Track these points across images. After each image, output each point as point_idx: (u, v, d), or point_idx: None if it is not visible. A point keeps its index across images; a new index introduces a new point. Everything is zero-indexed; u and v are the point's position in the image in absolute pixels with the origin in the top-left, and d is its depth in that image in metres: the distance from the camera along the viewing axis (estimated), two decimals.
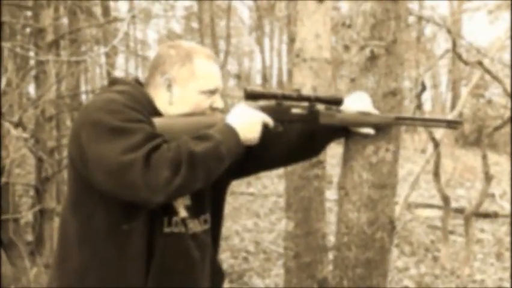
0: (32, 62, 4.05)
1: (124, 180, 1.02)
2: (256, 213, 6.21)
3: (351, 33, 1.40)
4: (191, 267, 1.22)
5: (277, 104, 1.26)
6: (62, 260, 1.18)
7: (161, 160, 1.03)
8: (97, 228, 1.13)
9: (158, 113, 1.20)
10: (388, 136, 1.35)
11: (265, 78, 17.70)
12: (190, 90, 1.20)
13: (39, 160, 3.49)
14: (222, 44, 14.66)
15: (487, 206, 6.00)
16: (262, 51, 16.70)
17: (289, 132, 1.32)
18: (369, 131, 1.32)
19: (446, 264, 4.08)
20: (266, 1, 12.85)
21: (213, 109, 1.24)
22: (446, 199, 4.14)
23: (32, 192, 3.91)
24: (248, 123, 1.18)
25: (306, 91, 2.46)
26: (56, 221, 3.60)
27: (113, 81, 1.26)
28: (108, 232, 1.12)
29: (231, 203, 6.20)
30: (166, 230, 1.17)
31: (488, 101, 11.48)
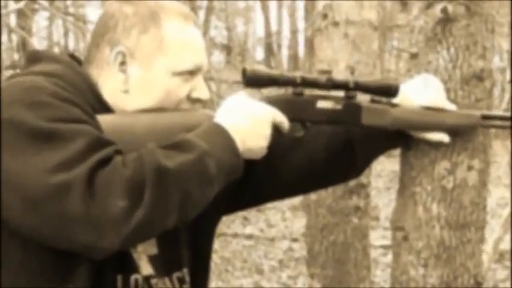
0: None
1: (53, 214, 1.02)
2: (257, 267, 6.21)
3: None
4: None
5: (294, 94, 1.27)
6: None
7: (113, 182, 1.03)
8: None
9: (106, 107, 1.21)
10: (471, 146, 1.37)
11: (270, 52, 17.70)
12: (157, 71, 1.22)
13: None
14: None
15: None
16: (265, 10, 16.72)
17: (314, 139, 1.34)
18: (442, 137, 1.33)
19: None
20: None
21: (193, 101, 1.25)
22: None
23: None
24: (250, 124, 1.18)
25: (340, 73, 2.47)
26: None
27: (34, 57, 1.27)
28: None
29: (218, 252, 6.20)
30: None
31: None
